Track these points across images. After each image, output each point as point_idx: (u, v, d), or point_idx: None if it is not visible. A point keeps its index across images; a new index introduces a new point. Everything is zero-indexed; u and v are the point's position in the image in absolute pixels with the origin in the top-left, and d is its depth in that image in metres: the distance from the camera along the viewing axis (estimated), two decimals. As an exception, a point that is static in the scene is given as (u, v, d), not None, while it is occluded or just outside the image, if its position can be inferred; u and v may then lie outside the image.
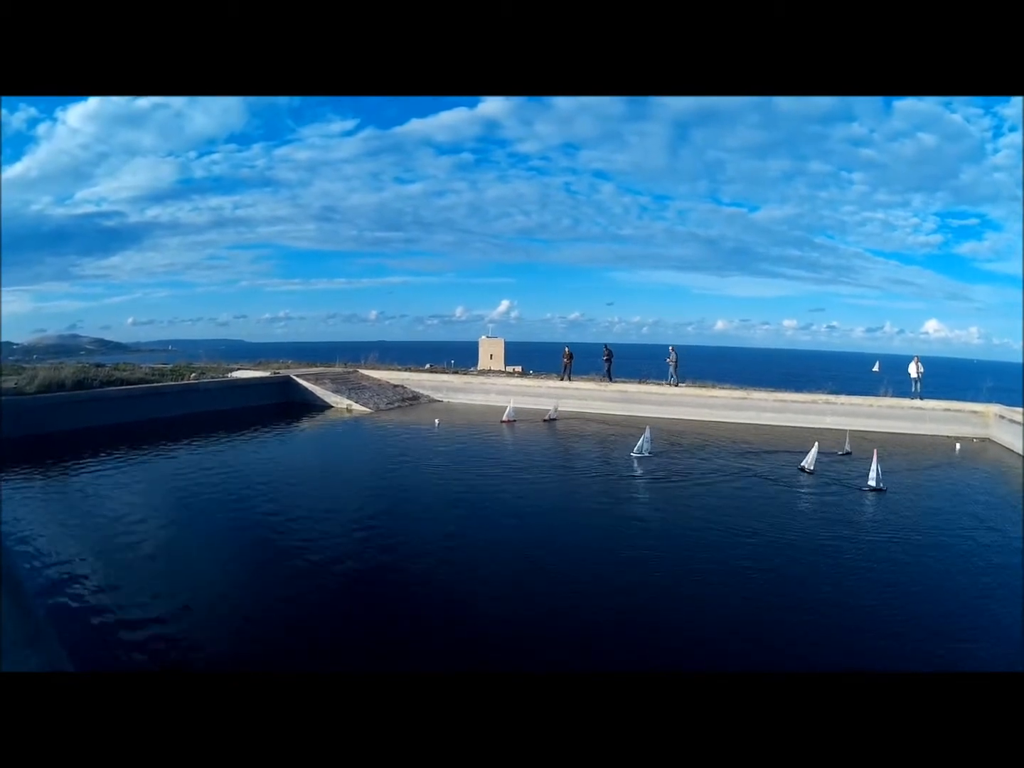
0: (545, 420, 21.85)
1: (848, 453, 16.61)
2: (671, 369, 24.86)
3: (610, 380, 25.81)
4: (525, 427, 20.86)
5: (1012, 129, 78.13)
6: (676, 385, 24.60)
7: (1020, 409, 18.43)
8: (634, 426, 19.47)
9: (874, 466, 12.80)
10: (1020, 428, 17.43)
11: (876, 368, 26.69)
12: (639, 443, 16.03)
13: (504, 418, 21.32)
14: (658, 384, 25.42)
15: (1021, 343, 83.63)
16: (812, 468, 14.41)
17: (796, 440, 18.11)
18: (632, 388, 24.84)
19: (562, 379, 26.57)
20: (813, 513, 11.53)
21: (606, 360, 25.89)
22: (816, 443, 15.07)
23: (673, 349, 24.96)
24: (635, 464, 15.21)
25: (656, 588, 7.88)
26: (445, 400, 26.75)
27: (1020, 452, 17.07)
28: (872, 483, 12.69)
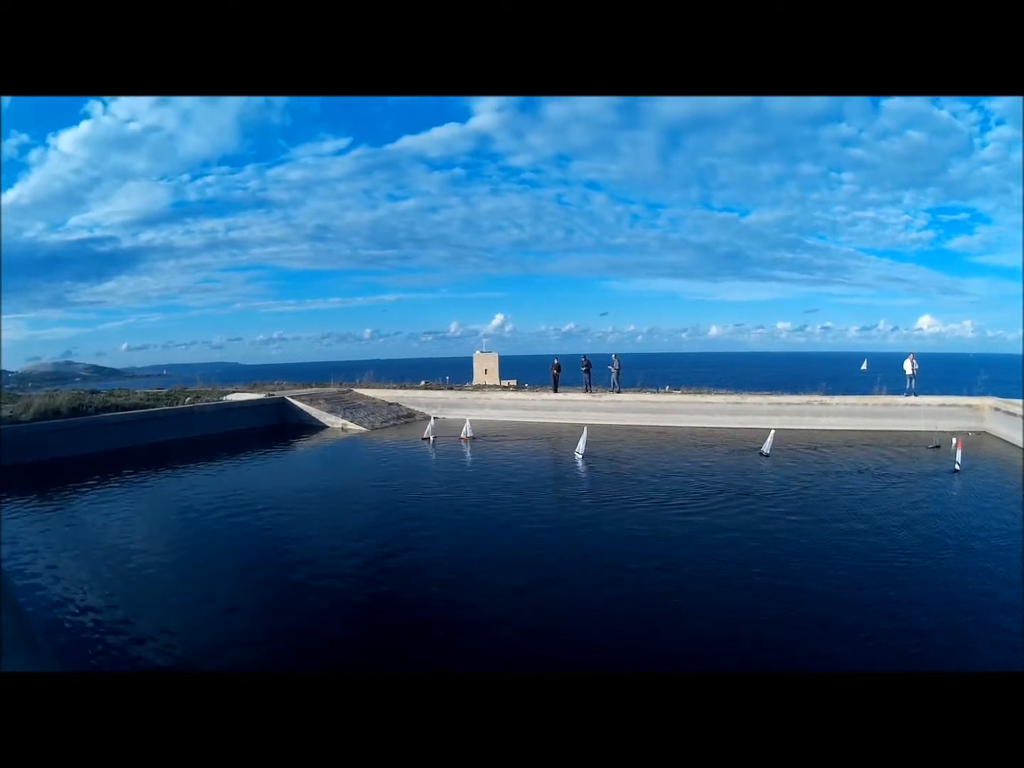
0: (462, 439, 20.03)
1: (937, 447, 17.59)
2: (613, 376, 25.81)
3: (589, 390, 26.02)
4: (481, 445, 20.73)
5: (999, 123, 79.38)
6: (619, 392, 25.52)
7: (1019, 401, 18.31)
8: (630, 434, 19.36)
9: (959, 453, 15.02)
10: (1019, 420, 17.36)
11: (864, 367, 26.91)
12: (579, 444, 17.04)
13: (424, 435, 20.32)
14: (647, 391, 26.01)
15: (1021, 334, 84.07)
16: (768, 452, 16.71)
17: (793, 440, 18.39)
18: (627, 398, 24.86)
19: (555, 391, 26.62)
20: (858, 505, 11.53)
21: (584, 371, 26.15)
22: (772, 431, 17.43)
23: (616, 356, 25.97)
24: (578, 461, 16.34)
25: (656, 587, 7.85)
26: (440, 416, 26.71)
27: (1019, 444, 17.00)
28: (957, 467, 14.70)
